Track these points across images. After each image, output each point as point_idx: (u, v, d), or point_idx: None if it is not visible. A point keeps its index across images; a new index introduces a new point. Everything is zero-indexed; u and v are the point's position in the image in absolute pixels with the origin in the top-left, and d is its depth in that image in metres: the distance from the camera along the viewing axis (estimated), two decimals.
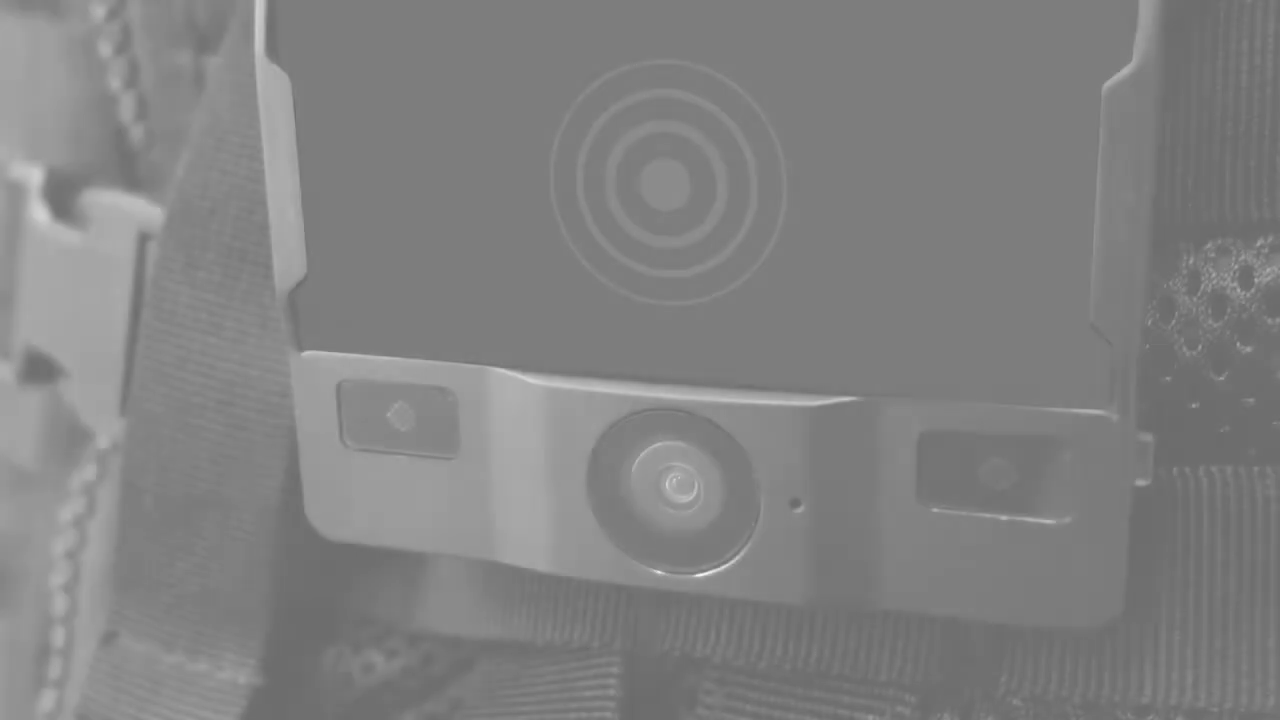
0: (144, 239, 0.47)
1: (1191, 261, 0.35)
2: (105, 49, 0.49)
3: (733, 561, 0.36)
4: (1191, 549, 0.35)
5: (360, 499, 0.39)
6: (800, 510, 0.35)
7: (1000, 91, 0.31)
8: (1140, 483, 0.33)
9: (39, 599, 0.55)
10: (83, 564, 0.53)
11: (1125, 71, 0.30)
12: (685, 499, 0.36)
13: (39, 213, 0.52)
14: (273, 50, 0.36)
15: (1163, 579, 0.36)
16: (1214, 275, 0.35)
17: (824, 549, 0.35)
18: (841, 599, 0.36)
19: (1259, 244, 0.34)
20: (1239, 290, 0.34)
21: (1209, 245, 0.35)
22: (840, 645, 0.38)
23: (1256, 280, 0.34)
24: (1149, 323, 0.35)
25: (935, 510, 0.34)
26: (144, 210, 0.48)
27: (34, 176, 0.53)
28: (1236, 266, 0.34)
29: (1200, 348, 0.35)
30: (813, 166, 0.33)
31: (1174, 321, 0.35)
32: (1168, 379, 0.35)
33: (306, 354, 0.39)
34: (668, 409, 0.36)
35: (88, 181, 0.51)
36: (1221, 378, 0.35)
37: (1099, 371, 0.32)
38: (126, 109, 0.49)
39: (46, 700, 0.55)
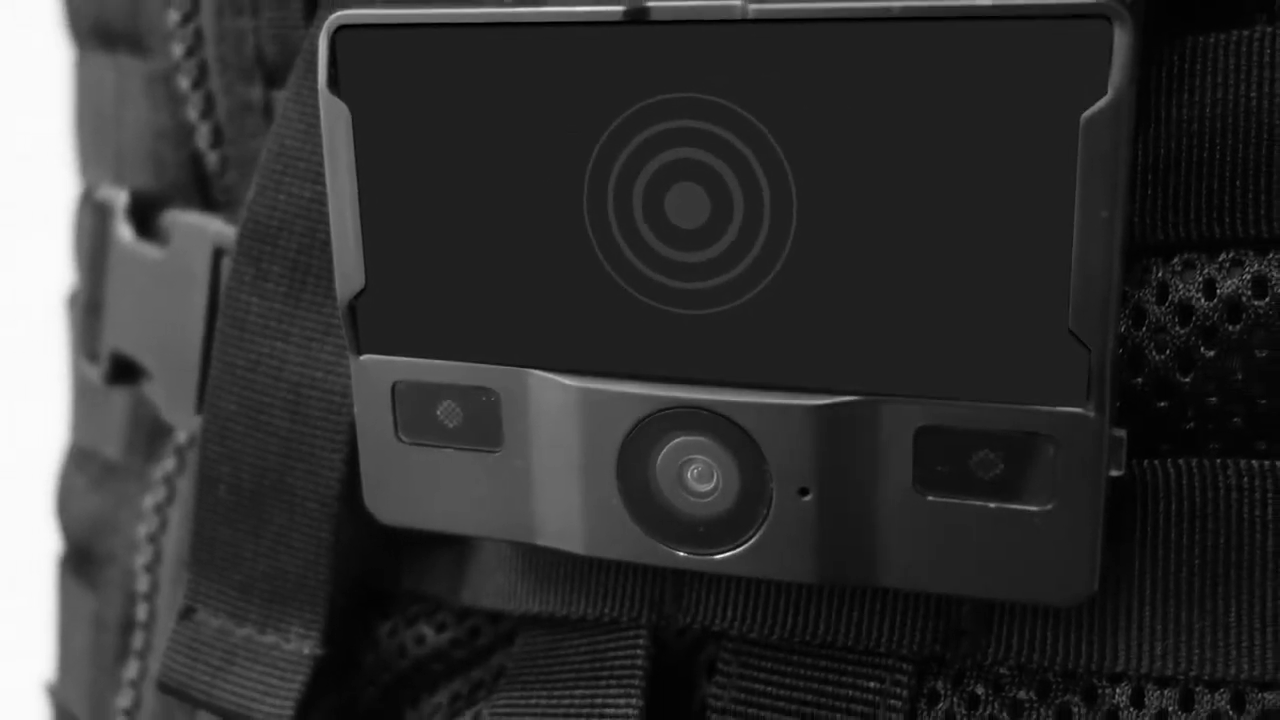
0: (218, 254, 0.48)
1: (1160, 274, 0.35)
2: (184, 83, 0.49)
3: (748, 544, 0.36)
4: (1160, 533, 0.35)
5: (413, 488, 0.40)
6: (808, 498, 0.35)
7: (988, 121, 0.31)
8: (1114, 473, 0.34)
9: (124, 578, 0.55)
10: (163, 546, 0.53)
11: (1101, 103, 0.30)
12: (705, 488, 0.36)
13: (124, 231, 0.53)
14: (334, 84, 0.37)
15: (1134, 560, 0.36)
16: (1180, 287, 0.35)
17: (829, 533, 0.35)
18: (845, 578, 0.36)
19: (1221, 259, 0.34)
20: (1203, 300, 0.35)
21: (1176, 260, 0.35)
22: (844, 619, 0.38)
23: (1218, 291, 0.34)
24: (1122, 329, 0.35)
25: (930, 498, 0.34)
26: (219, 228, 0.48)
27: (120, 198, 0.53)
28: (1200, 279, 0.35)
29: (1168, 352, 0.35)
30: (820, 191, 0.33)
31: (1145, 328, 0.35)
32: (1139, 380, 0.35)
33: (365, 357, 0.39)
34: (689, 407, 0.36)
35: (168, 203, 0.52)
36: (1187, 379, 0.35)
37: (1077, 373, 0.32)
38: (203, 137, 0.49)
39: (130, 669, 0.55)
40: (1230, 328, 0.34)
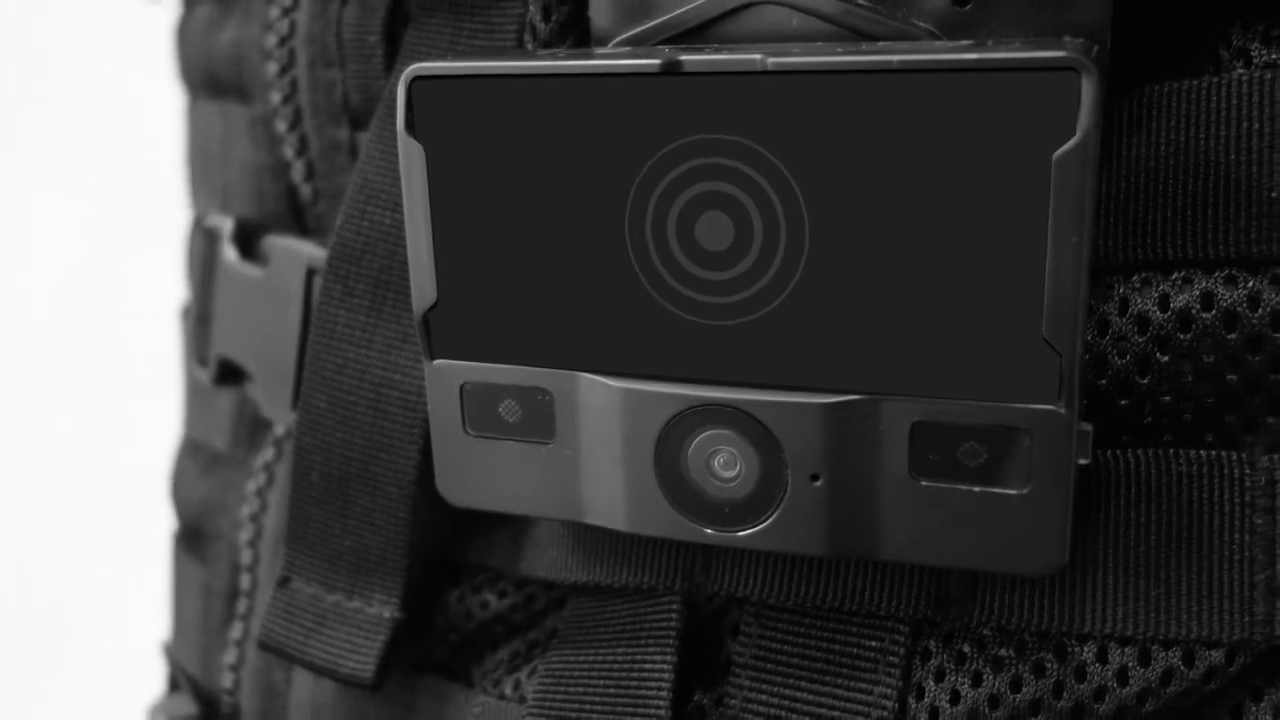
0: (311, 274, 0.48)
1: (1122, 291, 0.35)
2: (281, 126, 0.49)
3: (766, 522, 0.36)
4: (1122, 513, 0.36)
5: (478, 474, 0.40)
6: (818, 483, 0.35)
7: (973, 158, 0.32)
8: (1082, 461, 0.34)
9: (230, 552, 0.55)
10: (264, 525, 0.53)
11: (1070, 144, 0.31)
12: (729, 474, 0.36)
13: (230, 253, 0.53)
14: (410, 127, 0.37)
15: (1099, 536, 0.36)
16: (1139, 301, 0.35)
17: (837, 513, 0.35)
18: (850, 551, 0.36)
19: (1173, 277, 0.35)
20: (1158, 313, 0.35)
21: (1135, 278, 0.35)
22: (849, 587, 0.38)
23: (1171, 305, 0.35)
24: (1089, 338, 0.35)
25: (923, 483, 0.35)
26: (311, 251, 0.48)
27: (226, 225, 0.53)
28: (1156, 295, 0.35)
29: (1128, 357, 0.35)
30: (829, 219, 0.33)
31: (1108, 337, 0.35)
32: (1103, 382, 0.36)
33: (437, 362, 0.39)
34: (716, 404, 0.36)
35: (267, 229, 0.52)
36: (1145, 381, 0.35)
37: (1050, 376, 0.33)
38: (298, 172, 0.49)
39: (235, 630, 0.55)
40: (1182, 337, 0.35)
